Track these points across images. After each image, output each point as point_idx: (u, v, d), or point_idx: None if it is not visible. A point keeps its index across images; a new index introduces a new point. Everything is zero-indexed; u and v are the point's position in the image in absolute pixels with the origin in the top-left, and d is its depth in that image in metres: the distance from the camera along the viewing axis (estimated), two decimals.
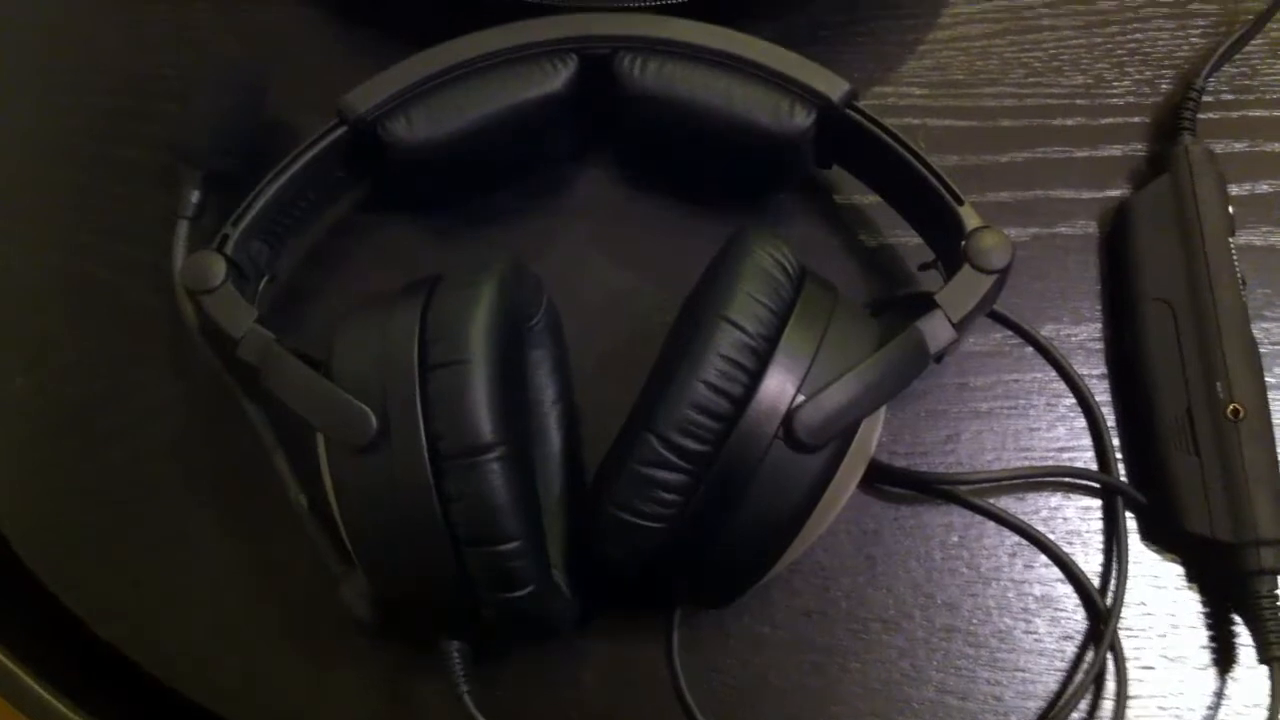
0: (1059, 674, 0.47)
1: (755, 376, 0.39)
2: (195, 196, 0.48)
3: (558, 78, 0.48)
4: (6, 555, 0.49)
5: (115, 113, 0.55)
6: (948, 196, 0.45)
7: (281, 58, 0.55)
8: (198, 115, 0.50)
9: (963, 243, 0.44)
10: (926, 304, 0.43)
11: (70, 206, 0.54)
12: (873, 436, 0.42)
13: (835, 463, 0.40)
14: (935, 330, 0.42)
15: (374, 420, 0.38)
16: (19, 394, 0.51)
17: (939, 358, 0.42)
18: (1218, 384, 0.47)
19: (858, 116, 0.47)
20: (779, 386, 0.39)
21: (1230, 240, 0.49)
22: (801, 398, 0.39)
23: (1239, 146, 0.54)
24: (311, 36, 0.56)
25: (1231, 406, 0.47)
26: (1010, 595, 0.48)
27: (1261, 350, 0.48)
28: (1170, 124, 0.53)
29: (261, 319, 0.43)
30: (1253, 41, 0.55)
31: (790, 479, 0.39)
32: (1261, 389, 0.48)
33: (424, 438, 0.38)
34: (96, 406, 0.51)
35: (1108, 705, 0.47)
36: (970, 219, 0.44)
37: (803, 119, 0.47)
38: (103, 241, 0.53)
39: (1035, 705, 0.47)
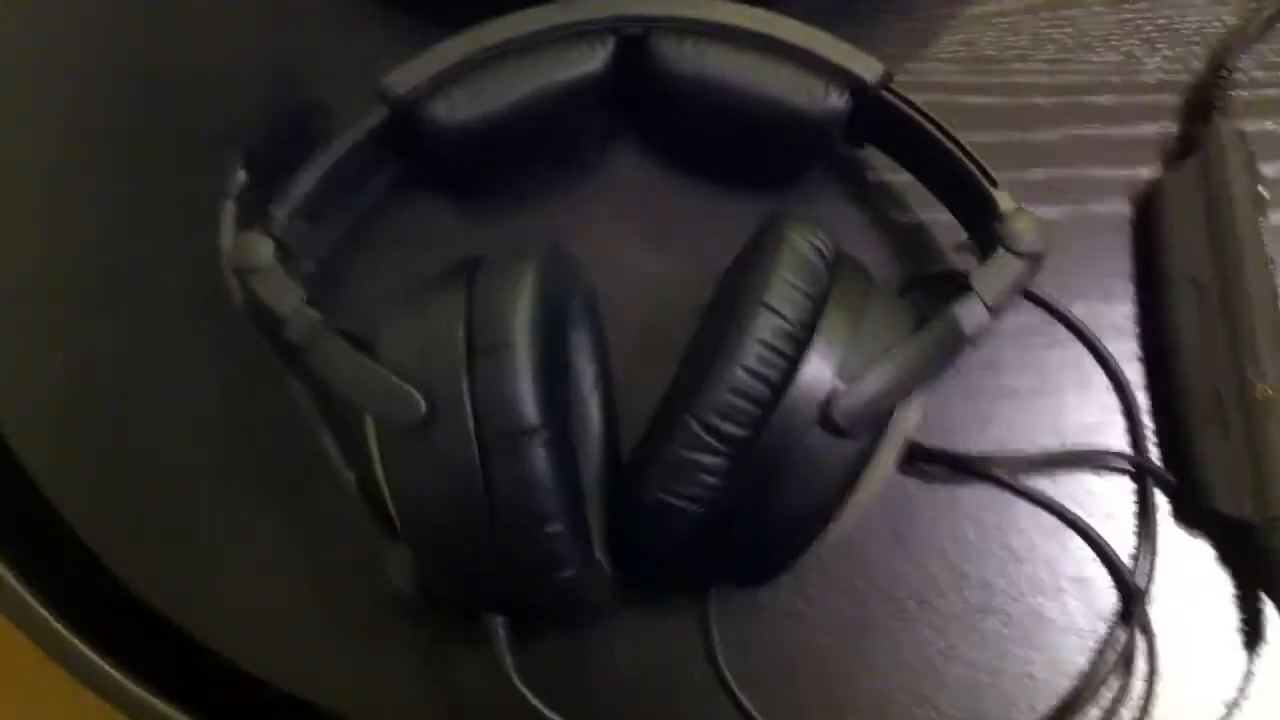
0: (1091, 652, 0.48)
1: (794, 362, 0.39)
2: (241, 176, 0.48)
3: (596, 57, 0.48)
4: (57, 525, 0.50)
5: (153, 98, 0.55)
6: (982, 180, 0.45)
7: (320, 42, 0.55)
8: (239, 98, 0.50)
9: (997, 225, 0.44)
10: (959, 284, 0.43)
11: (104, 191, 0.54)
12: (909, 421, 0.42)
13: (873, 447, 0.40)
14: (970, 314, 0.42)
15: (422, 403, 0.39)
16: (57, 374, 0.52)
17: (973, 340, 0.43)
18: (1246, 366, 0.47)
19: (893, 98, 0.47)
20: (817, 373, 0.39)
21: (1261, 221, 0.49)
22: (839, 383, 0.39)
23: (1271, 125, 0.54)
24: (349, 21, 0.56)
25: (1260, 388, 0.47)
26: (1043, 575, 0.49)
27: None
28: (1202, 103, 0.53)
29: (308, 299, 0.43)
30: None
31: (828, 464, 0.40)
32: None
33: (471, 421, 0.39)
34: (137, 391, 0.51)
35: (1139, 683, 0.47)
36: (1005, 202, 0.45)
37: (837, 101, 0.47)
38: (138, 225, 0.53)
39: (1067, 683, 0.47)
